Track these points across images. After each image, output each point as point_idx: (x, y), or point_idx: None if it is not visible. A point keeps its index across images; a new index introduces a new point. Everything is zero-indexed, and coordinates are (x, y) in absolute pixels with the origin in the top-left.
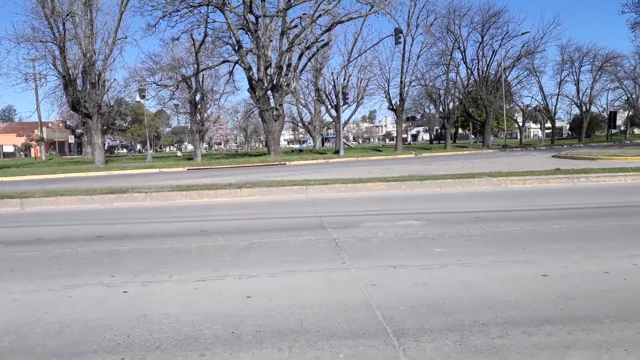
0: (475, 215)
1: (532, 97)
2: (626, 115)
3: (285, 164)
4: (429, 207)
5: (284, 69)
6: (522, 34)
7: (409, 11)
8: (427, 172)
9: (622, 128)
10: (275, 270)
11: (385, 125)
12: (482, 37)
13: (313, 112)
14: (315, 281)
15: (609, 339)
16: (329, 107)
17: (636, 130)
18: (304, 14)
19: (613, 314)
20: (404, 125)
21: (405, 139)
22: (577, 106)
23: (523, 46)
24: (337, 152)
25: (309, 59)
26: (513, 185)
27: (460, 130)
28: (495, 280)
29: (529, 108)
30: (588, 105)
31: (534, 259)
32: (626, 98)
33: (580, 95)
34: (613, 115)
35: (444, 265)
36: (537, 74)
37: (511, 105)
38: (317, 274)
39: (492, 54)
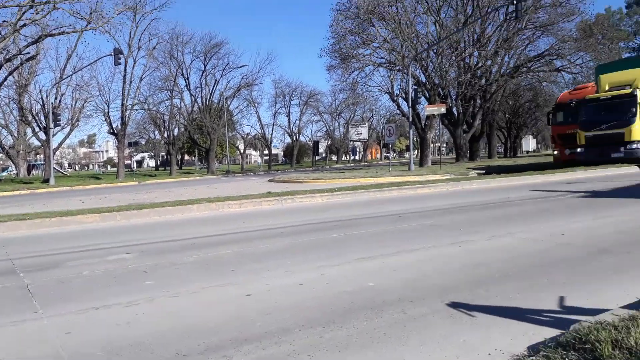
0: (191, 242)
1: (251, 126)
2: (326, 144)
3: None
4: (145, 238)
5: None
6: (241, 66)
7: (130, 32)
8: (150, 201)
9: (323, 155)
10: None
11: (107, 151)
12: (205, 66)
13: (16, 135)
14: None
15: (297, 348)
16: (37, 129)
17: (334, 157)
18: (4, 21)
19: (301, 323)
20: (127, 150)
21: (129, 166)
22: (289, 135)
23: (242, 78)
24: (46, 180)
25: (10, 73)
26: (230, 209)
27: (186, 157)
28: (201, 307)
29: (249, 136)
30: (297, 134)
31: (240, 280)
32: (326, 129)
33: (291, 126)
34: (316, 144)
35: (152, 299)
36: (255, 105)
37: (233, 132)
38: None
39: (215, 83)
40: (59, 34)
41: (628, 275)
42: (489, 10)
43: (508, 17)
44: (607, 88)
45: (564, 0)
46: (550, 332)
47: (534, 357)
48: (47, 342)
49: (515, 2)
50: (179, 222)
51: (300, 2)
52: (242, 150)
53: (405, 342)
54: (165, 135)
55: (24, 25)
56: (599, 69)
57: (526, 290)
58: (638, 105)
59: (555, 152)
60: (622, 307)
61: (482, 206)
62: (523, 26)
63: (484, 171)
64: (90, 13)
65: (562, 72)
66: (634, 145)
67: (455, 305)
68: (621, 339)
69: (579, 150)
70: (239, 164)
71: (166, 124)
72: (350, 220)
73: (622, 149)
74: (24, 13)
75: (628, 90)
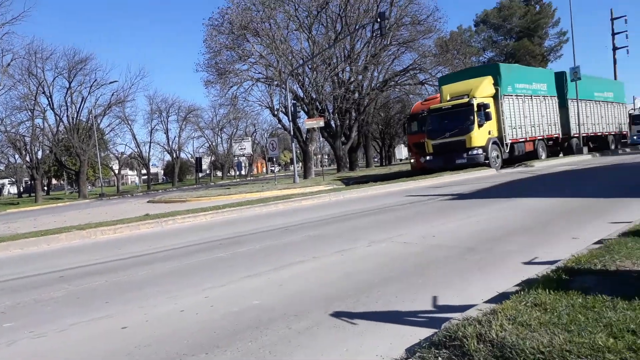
0: (59, 275)
1: (126, 145)
2: (210, 160)
3: None
4: (4, 274)
5: None
6: (111, 82)
7: None
8: (11, 232)
9: (207, 172)
10: None
11: None
12: (70, 83)
13: None
14: None
15: None
16: None
17: (218, 173)
18: None
19: (183, 352)
20: None
21: None
22: (169, 153)
23: (113, 94)
24: None
25: None
26: (104, 235)
27: (54, 181)
28: (72, 346)
29: (124, 155)
30: (178, 151)
31: (116, 311)
32: (208, 145)
33: (170, 143)
34: (199, 161)
35: (12, 343)
36: (129, 122)
37: (106, 152)
38: None
39: (82, 101)
40: None
41: (490, 271)
42: (357, 27)
43: (374, 34)
44: (448, 98)
45: (422, 18)
46: (426, 332)
47: (411, 359)
48: None
49: (379, 20)
50: (46, 253)
51: (172, 17)
52: (117, 171)
53: (290, 358)
54: (28, 159)
55: None
56: (441, 80)
57: (403, 293)
58: (475, 114)
59: (412, 160)
60: (485, 302)
61: (362, 214)
62: (388, 43)
63: (350, 181)
64: None
65: (426, 85)
66: (475, 151)
67: (338, 314)
68: (484, 333)
69: (427, 157)
70: (114, 185)
71: (28, 147)
72: (236, 238)
73: (465, 155)
74: None
75: (465, 100)
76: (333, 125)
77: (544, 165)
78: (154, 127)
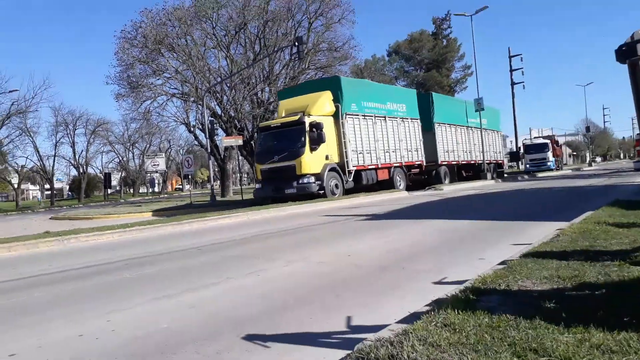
0: None
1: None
2: (120, 176)
3: None
4: None
5: None
6: (10, 91)
7: None
8: None
9: (117, 188)
10: None
11: None
12: None
13: None
14: None
15: None
16: None
17: (130, 190)
18: None
19: None
20: None
21: None
22: (75, 167)
23: (13, 104)
24: None
25: None
26: None
27: None
28: None
29: (25, 169)
30: (85, 166)
31: (4, 337)
32: (119, 160)
33: (77, 157)
34: (108, 176)
35: None
36: (31, 134)
37: (4, 165)
38: None
39: None
40: None
41: (402, 290)
42: (275, 50)
43: (293, 57)
44: (283, 114)
45: (338, 45)
46: (340, 354)
47: None
48: None
49: (297, 44)
50: None
51: (81, 27)
52: (16, 185)
53: None
54: None
55: None
56: (280, 95)
57: (318, 313)
58: (307, 134)
59: (258, 186)
60: (397, 322)
61: (279, 233)
62: (306, 66)
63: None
64: None
65: None
66: (306, 180)
67: (250, 337)
68: (396, 354)
69: (257, 185)
70: (13, 200)
71: None
72: (146, 258)
73: (295, 183)
74: None
75: (295, 117)
76: (253, 144)
77: (452, 188)
78: (59, 140)
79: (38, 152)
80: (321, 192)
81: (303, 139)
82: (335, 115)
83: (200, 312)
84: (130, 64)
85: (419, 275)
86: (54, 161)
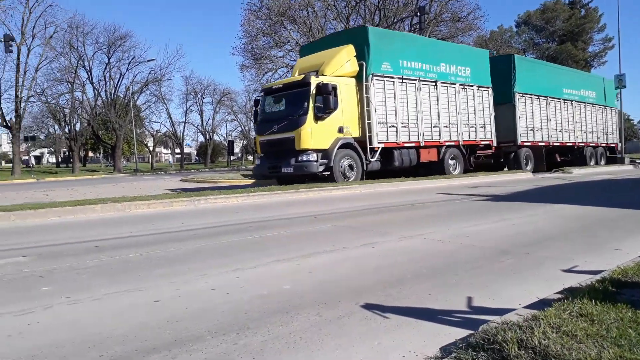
0: (95, 245)
1: (161, 123)
2: (242, 144)
3: None
4: (43, 240)
5: None
6: (148, 60)
7: (23, 18)
8: (49, 200)
9: (239, 155)
10: None
11: (0, 145)
12: (109, 59)
13: None
14: None
15: (209, 356)
16: None
17: (250, 157)
18: None
19: (214, 329)
20: (23, 145)
21: (26, 162)
22: (202, 134)
23: (150, 73)
24: None
25: None
26: (138, 210)
27: (90, 153)
28: (106, 315)
29: (159, 133)
30: (211, 133)
31: (148, 285)
32: (241, 129)
33: (204, 124)
34: (231, 144)
35: (48, 307)
36: (165, 101)
37: (142, 129)
38: None
39: (120, 77)
40: None
41: (526, 276)
42: (395, 20)
43: (413, 29)
44: (296, 74)
45: (462, 15)
46: (460, 333)
47: (446, 359)
48: None
49: (418, 14)
50: (81, 223)
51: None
52: (151, 148)
53: (321, 346)
54: (67, 130)
55: None
56: (302, 51)
57: (436, 291)
58: (311, 99)
59: (257, 162)
60: (525, 307)
61: (393, 208)
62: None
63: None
64: None
65: None
66: (305, 157)
67: (369, 306)
68: (526, 339)
69: (257, 161)
70: (148, 162)
71: (67, 119)
72: (266, 222)
73: (293, 161)
74: None
75: (299, 77)
76: None
77: (583, 172)
78: (189, 108)
79: (170, 118)
80: (326, 174)
81: (306, 105)
82: (359, 77)
83: (318, 277)
84: (254, 35)
85: (544, 261)
86: (184, 127)
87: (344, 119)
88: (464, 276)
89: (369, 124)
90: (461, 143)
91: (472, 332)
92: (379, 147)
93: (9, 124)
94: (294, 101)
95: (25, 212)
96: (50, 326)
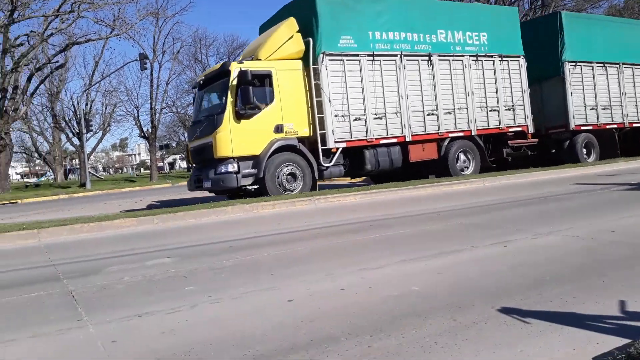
0: (228, 245)
1: None
2: None
3: (16, 202)
4: (182, 241)
5: (9, 91)
6: None
7: (154, 37)
8: (184, 203)
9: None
10: None
11: (139, 154)
12: None
13: (51, 141)
14: (42, 349)
15: (346, 357)
16: (70, 134)
17: None
18: (31, 31)
19: (347, 331)
20: (158, 153)
21: (161, 168)
22: None
23: None
24: (83, 185)
25: (42, 81)
26: (264, 210)
27: None
28: (245, 314)
29: None
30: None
31: (281, 284)
32: None
33: None
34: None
35: (194, 305)
36: None
37: None
38: (45, 338)
39: None
40: (85, 41)
41: None
42: None
43: (533, 6)
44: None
45: None
46: (615, 341)
47: None
48: (94, 351)
49: None
50: (215, 224)
51: None
52: None
53: (459, 351)
54: None
55: (51, 34)
56: (260, 30)
57: (582, 294)
58: (230, 93)
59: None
60: None
61: (522, 202)
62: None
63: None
64: (114, 20)
65: None
66: (223, 168)
67: (507, 310)
68: None
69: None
70: None
71: None
72: (386, 220)
73: (212, 173)
74: (49, 23)
75: (218, 66)
76: None
77: None
78: None
79: None
80: (252, 188)
81: (224, 100)
82: (306, 59)
83: (448, 279)
84: None
85: None
86: None
87: (285, 114)
88: (613, 277)
89: (321, 118)
90: (474, 133)
91: (629, 341)
92: (337, 148)
93: (146, 135)
94: (215, 97)
95: (166, 215)
96: (196, 324)
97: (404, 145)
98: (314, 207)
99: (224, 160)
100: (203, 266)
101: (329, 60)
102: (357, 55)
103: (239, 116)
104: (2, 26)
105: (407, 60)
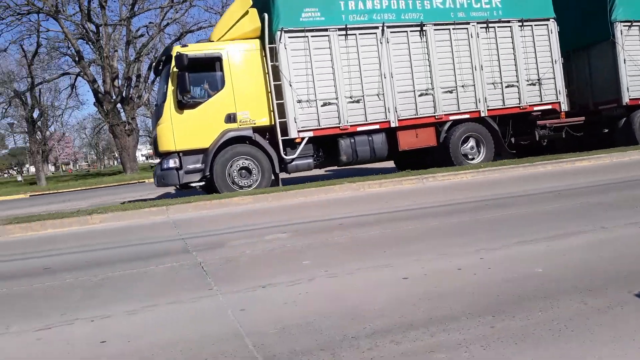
0: (338, 223)
1: None
2: None
3: (144, 181)
4: (295, 218)
5: (134, 79)
6: None
7: None
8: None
9: None
10: (133, 306)
11: None
12: None
13: None
14: (179, 314)
15: (467, 337)
16: None
17: None
18: (150, 22)
19: (468, 310)
20: None
21: None
22: None
23: None
24: None
25: None
26: (371, 189)
27: None
28: (361, 289)
29: None
30: None
31: (394, 262)
32: None
33: None
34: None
35: (311, 279)
36: None
37: None
38: (181, 305)
39: None
40: (198, 29)
41: None
42: None
43: None
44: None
45: None
46: None
47: None
48: (225, 319)
49: None
50: (324, 202)
51: None
52: None
53: (592, 337)
54: None
55: (167, 24)
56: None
57: None
58: (171, 80)
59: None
60: None
61: None
62: None
63: None
64: (222, 7)
65: None
66: (165, 164)
67: None
68: None
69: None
70: None
71: None
72: (501, 199)
73: (159, 170)
74: (165, 14)
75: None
76: None
77: None
78: None
79: None
80: (197, 185)
81: (166, 89)
82: (264, 38)
83: (574, 261)
84: None
85: None
86: None
87: (238, 101)
88: None
89: (281, 104)
90: (484, 114)
91: None
92: (302, 139)
93: None
94: (163, 84)
95: (279, 193)
96: (315, 296)
97: (390, 131)
98: (422, 186)
99: (168, 155)
100: (317, 242)
101: (289, 37)
102: (326, 29)
103: (181, 106)
104: (125, 19)
105: (392, 32)
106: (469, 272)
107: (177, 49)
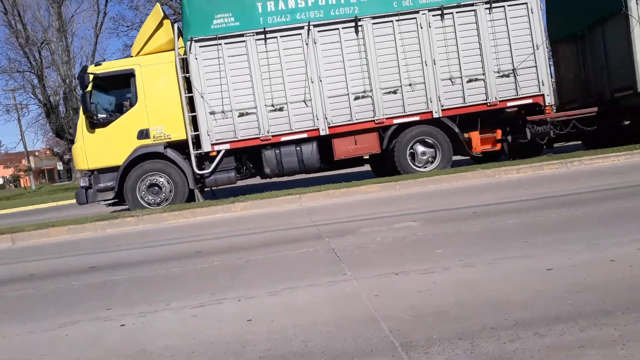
0: (472, 211)
1: None
2: None
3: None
4: (424, 206)
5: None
6: None
7: None
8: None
9: None
10: (274, 288)
11: None
12: None
13: None
14: (316, 297)
15: (624, 333)
16: None
17: None
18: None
19: (624, 305)
20: None
21: None
22: None
23: None
24: None
25: None
26: (508, 175)
27: None
28: (500, 279)
29: None
30: None
31: (536, 252)
32: None
33: None
34: None
35: (446, 268)
36: None
37: None
38: (318, 288)
39: None
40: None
41: None
42: None
43: None
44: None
45: None
46: None
47: None
48: (360, 303)
49: None
50: (454, 190)
51: None
52: None
53: None
54: None
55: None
56: None
57: None
58: (80, 101)
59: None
60: None
61: None
62: None
63: None
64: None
65: None
66: (82, 182)
67: None
68: None
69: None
70: None
71: None
72: None
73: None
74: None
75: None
76: None
77: None
78: None
79: None
80: (107, 203)
81: (79, 107)
82: (180, 49)
83: None
84: None
85: None
86: None
87: (151, 117)
88: None
89: (193, 117)
90: (437, 115)
91: None
92: (218, 151)
93: None
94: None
95: (407, 181)
96: (450, 285)
97: (323, 140)
98: (566, 172)
99: (85, 173)
100: (449, 231)
101: (200, 47)
102: (242, 35)
103: (92, 125)
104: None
105: (320, 31)
106: (624, 265)
107: (90, 68)
